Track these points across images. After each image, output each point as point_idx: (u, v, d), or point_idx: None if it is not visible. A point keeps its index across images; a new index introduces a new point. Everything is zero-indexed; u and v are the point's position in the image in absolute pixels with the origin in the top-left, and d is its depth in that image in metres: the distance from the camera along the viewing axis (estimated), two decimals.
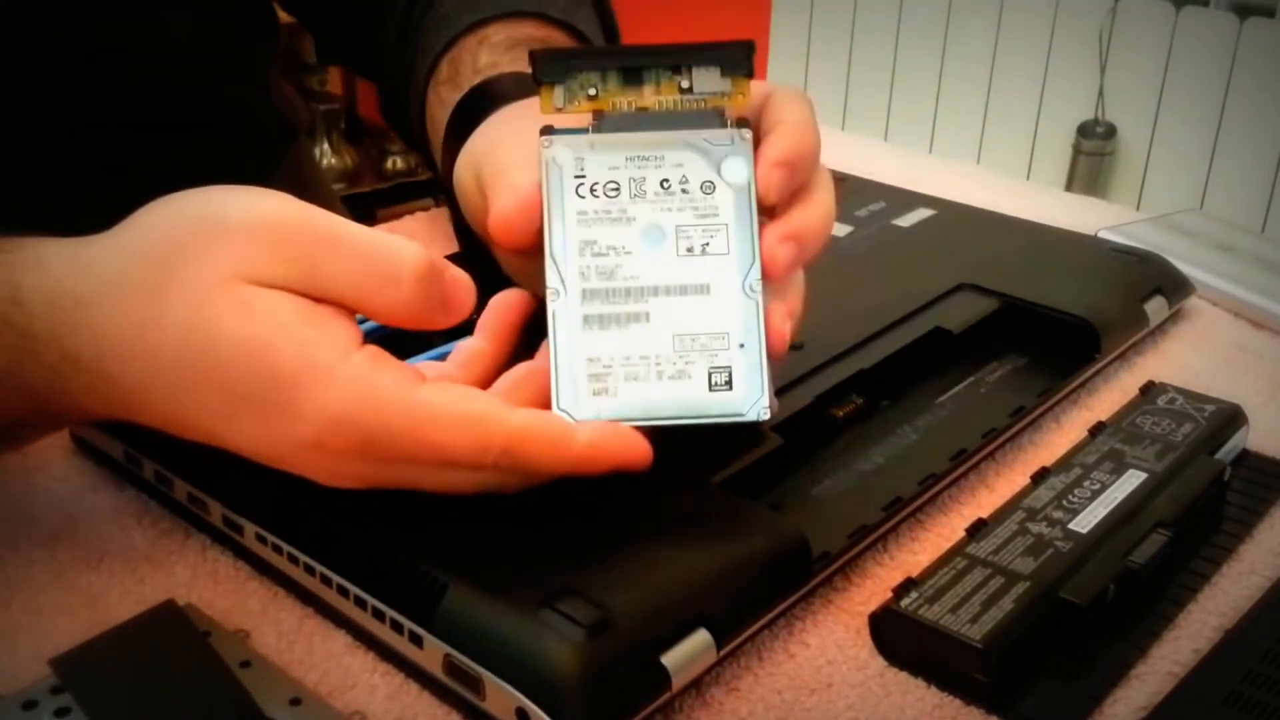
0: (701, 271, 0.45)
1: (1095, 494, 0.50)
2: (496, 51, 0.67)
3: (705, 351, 0.45)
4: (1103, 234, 0.77)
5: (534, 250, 0.46)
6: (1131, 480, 0.51)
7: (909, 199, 0.78)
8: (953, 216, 0.76)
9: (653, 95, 0.46)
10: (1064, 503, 0.50)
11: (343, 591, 0.45)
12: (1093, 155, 2.21)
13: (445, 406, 0.42)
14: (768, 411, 0.44)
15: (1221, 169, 2.10)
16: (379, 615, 0.44)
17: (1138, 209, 2.16)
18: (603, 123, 0.46)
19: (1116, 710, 0.43)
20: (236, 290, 0.42)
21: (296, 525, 0.47)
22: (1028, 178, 2.31)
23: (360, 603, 0.44)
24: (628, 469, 0.43)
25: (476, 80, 0.64)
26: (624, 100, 0.46)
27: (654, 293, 0.45)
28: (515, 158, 0.49)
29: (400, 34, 0.75)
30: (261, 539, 0.48)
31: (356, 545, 0.45)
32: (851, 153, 0.89)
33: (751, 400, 0.44)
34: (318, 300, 0.43)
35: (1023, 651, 0.43)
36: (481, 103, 0.61)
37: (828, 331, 0.60)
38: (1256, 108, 2.03)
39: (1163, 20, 2.09)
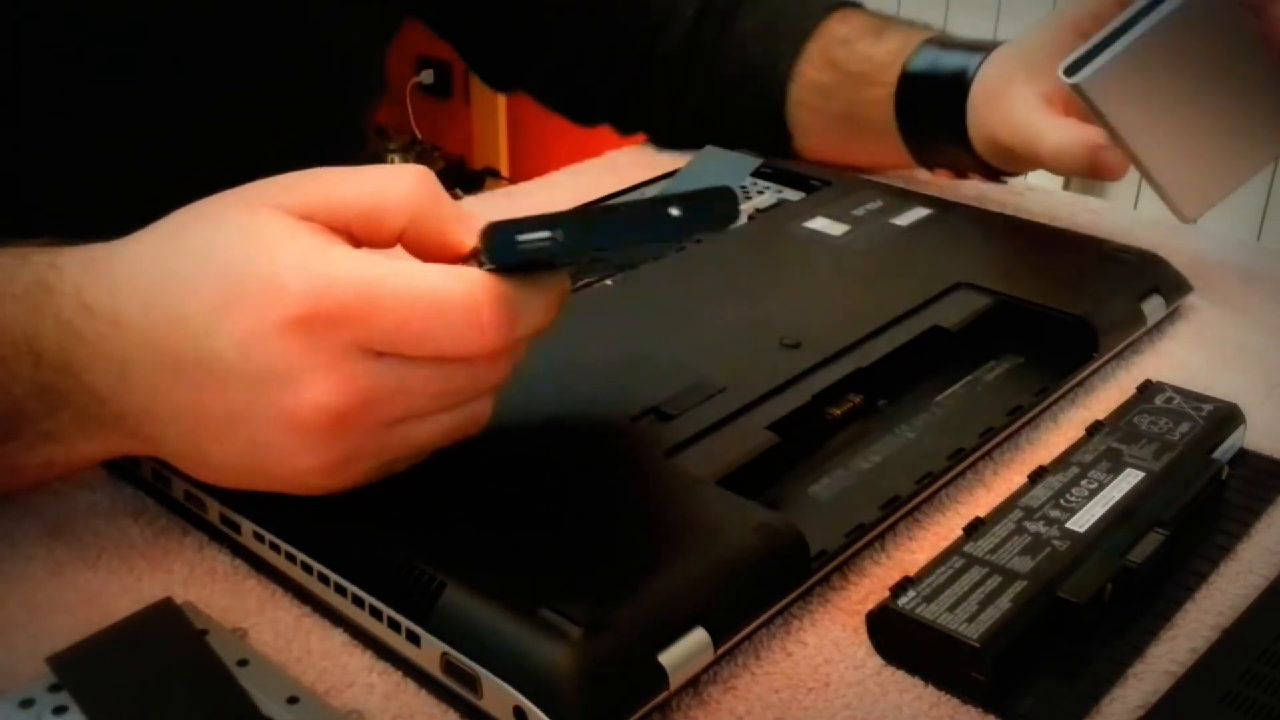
0: None
1: (1093, 493, 0.50)
2: (858, 32, 0.82)
3: None
4: (1100, 233, 0.77)
5: None
6: (1129, 479, 0.51)
7: (906, 198, 0.78)
8: (950, 215, 0.76)
9: None
10: (1061, 502, 0.50)
11: (340, 590, 0.45)
12: None
13: (435, 270, 0.41)
14: None
15: None
16: (376, 614, 0.44)
17: (1135, 208, 2.16)
18: None
19: (1114, 709, 0.43)
20: (257, 208, 0.42)
21: (294, 523, 0.47)
22: (1025, 176, 2.31)
23: (358, 601, 0.44)
24: None
25: (910, 48, 0.79)
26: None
27: None
28: None
29: (717, 45, 0.87)
30: (259, 537, 0.48)
31: (354, 544, 0.45)
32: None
33: None
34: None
35: (1020, 650, 0.43)
36: (952, 59, 0.76)
37: (825, 330, 0.60)
38: None
39: None
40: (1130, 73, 0.57)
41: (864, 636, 0.46)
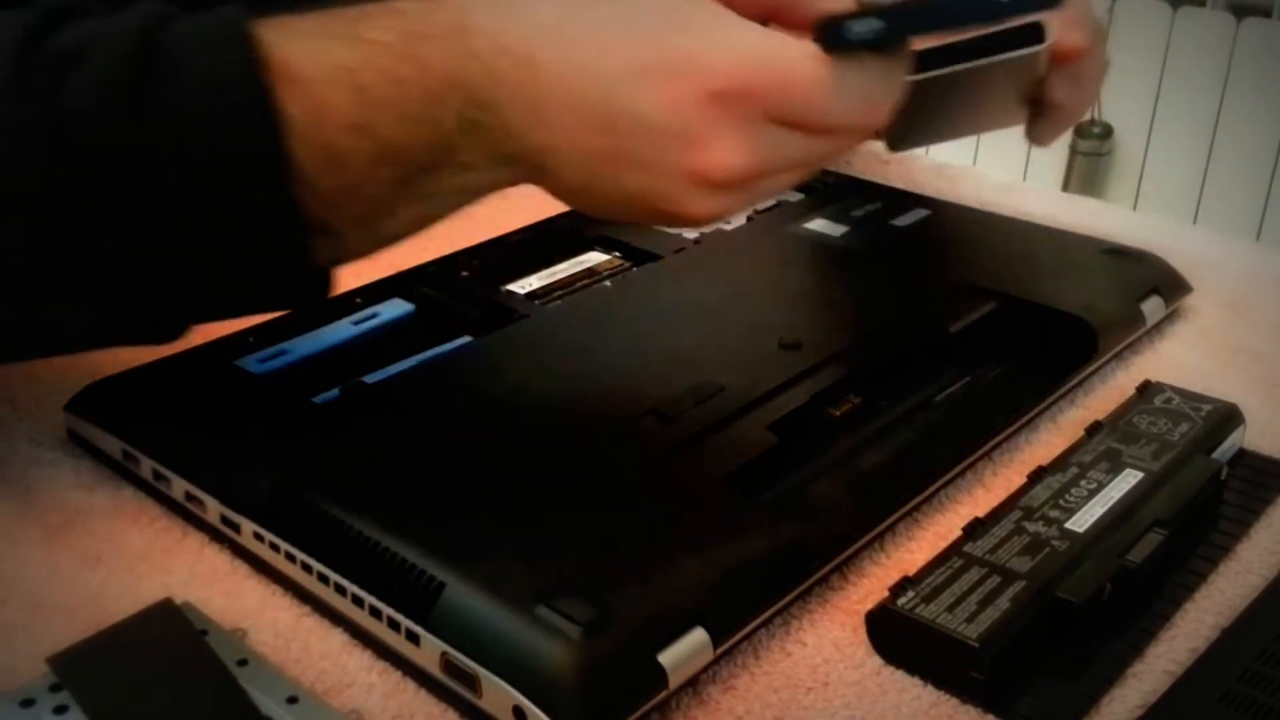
0: None
1: (1092, 493, 0.51)
2: None
3: None
4: (1100, 233, 0.77)
5: None
6: (1128, 479, 0.51)
7: (906, 199, 0.78)
8: (949, 217, 0.76)
9: None
10: (1061, 502, 0.50)
11: (340, 589, 0.45)
12: (1089, 155, 2.21)
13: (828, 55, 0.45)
14: None
15: (1218, 168, 2.11)
16: (376, 613, 0.44)
17: (1135, 209, 2.15)
18: None
19: (1113, 709, 0.43)
20: None
21: (294, 523, 0.47)
22: (1024, 178, 2.31)
23: (357, 601, 0.44)
24: None
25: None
26: None
27: None
28: None
29: None
30: (259, 537, 0.48)
31: (354, 543, 0.45)
32: (847, 153, 0.89)
33: None
34: None
35: (1019, 650, 0.43)
36: None
37: (825, 331, 0.60)
38: (1253, 107, 2.04)
39: (1159, 20, 2.09)
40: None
41: (863, 636, 0.46)
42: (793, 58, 0.45)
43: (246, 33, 0.45)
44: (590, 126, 0.45)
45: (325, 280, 0.50)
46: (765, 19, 0.48)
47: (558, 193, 0.49)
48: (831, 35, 0.44)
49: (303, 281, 0.49)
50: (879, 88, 0.46)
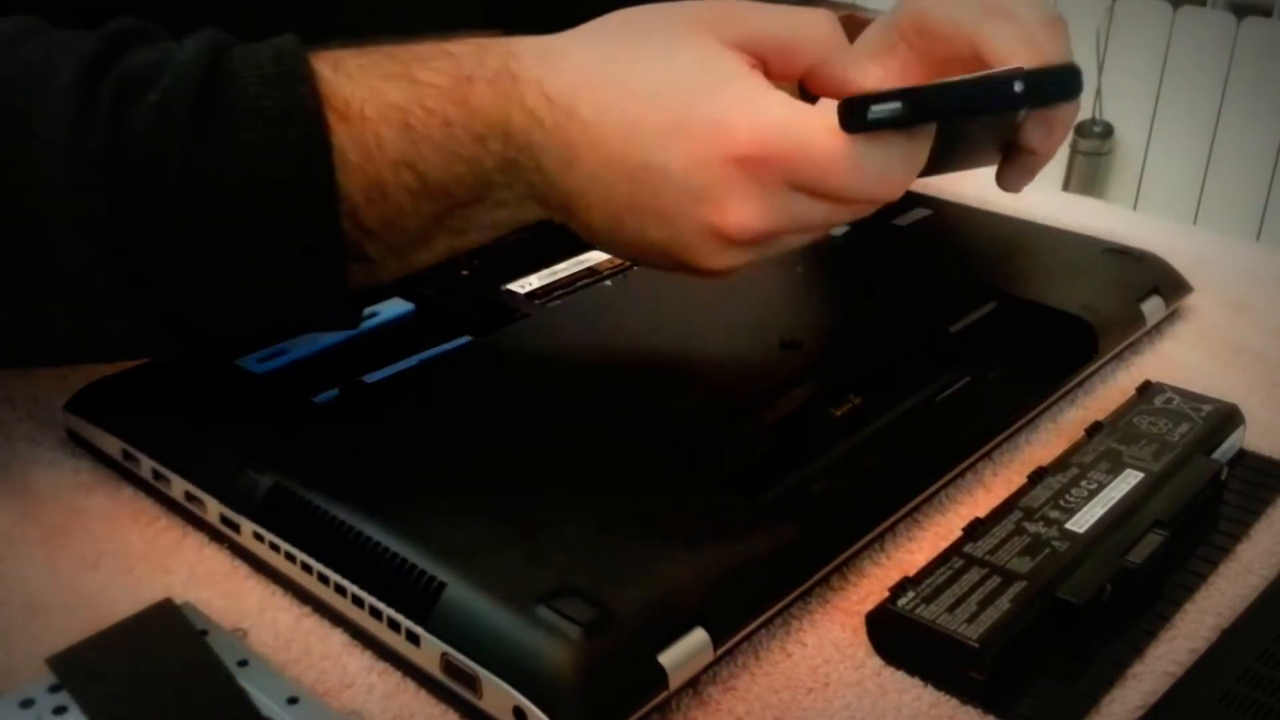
0: None
1: (1092, 494, 0.50)
2: None
3: None
4: (1100, 233, 0.77)
5: None
6: (1128, 480, 0.51)
7: (906, 199, 0.78)
8: (950, 215, 0.76)
9: None
10: (1061, 502, 0.50)
11: (340, 590, 0.45)
12: (1090, 154, 2.21)
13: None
14: None
15: (1218, 168, 2.11)
16: (376, 614, 0.44)
17: (1135, 208, 2.15)
18: None
19: (1113, 710, 0.43)
20: (702, 36, 0.48)
21: (294, 523, 0.47)
22: None
23: (358, 601, 0.44)
24: None
25: None
26: None
27: None
28: None
29: None
30: (259, 537, 0.48)
31: (354, 543, 0.45)
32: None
33: None
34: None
35: (1019, 651, 0.43)
36: None
37: (825, 331, 0.60)
38: (1253, 107, 2.04)
39: (1160, 20, 2.09)
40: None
41: (863, 637, 0.46)
42: (814, 131, 0.46)
43: (305, 70, 0.46)
44: (619, 177, 0.48)
45: (354, 306, 0.52)
46: (798, 84, 0.50)
47: (584, 234, 0.51)
48: (851, 116, 0.45)
49: (333, 307, 0.50)
50: (897, 165, 0.47)
